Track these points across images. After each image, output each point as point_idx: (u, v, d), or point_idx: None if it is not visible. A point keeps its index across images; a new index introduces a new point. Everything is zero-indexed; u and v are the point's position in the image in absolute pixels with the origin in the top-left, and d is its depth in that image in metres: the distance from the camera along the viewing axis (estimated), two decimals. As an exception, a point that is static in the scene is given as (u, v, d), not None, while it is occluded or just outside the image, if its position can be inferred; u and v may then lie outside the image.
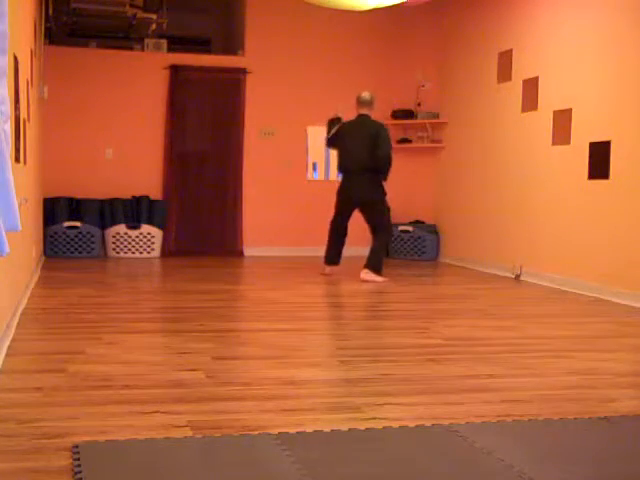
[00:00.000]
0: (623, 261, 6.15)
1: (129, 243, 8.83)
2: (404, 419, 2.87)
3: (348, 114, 7.46)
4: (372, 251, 7.14)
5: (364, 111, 7.25)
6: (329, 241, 7.45)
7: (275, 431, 2.68)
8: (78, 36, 9.12)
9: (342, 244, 7.42)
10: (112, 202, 8.84)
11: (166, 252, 9.02)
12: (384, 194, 7.21)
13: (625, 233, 6.14)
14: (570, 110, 6.85)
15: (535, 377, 3.61)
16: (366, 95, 7.27)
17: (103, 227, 8.79)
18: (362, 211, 7.25)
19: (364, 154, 7.08)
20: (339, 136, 7.28)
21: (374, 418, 2.88)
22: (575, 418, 2.94)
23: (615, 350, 4.33)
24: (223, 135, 9.27)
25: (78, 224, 8.61)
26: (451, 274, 8.05)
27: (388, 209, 7.27)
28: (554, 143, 7.09)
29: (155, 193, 9.11)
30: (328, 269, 7.47)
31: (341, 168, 7.33)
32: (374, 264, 7.11)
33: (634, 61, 6.08)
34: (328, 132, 7.44)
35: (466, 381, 3.50)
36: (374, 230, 7.21)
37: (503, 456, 2.47)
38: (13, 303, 4.54)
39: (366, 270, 7.09)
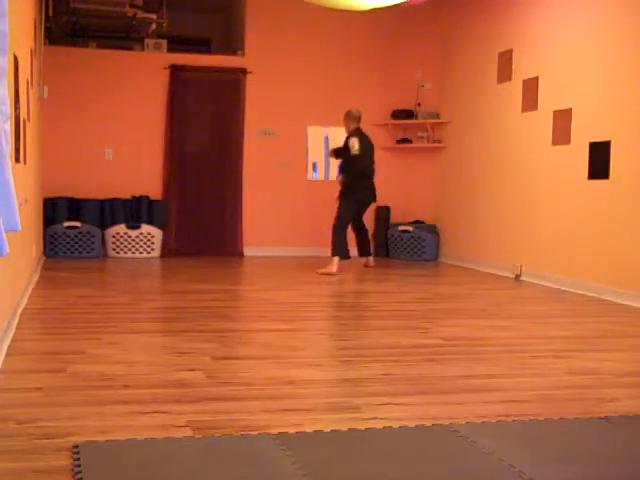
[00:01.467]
0: (623, 261, 6.15)
1: (129, 243, 8.83)
2: (404, 419, 2.87)
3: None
4: (369, 241, 8.35)
5: (359, 124, 8.02)
6: (354, 237, 8.27)
7: (275, 431, 2.68)
8: (78, 36, 9.12)
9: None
10: (112, 202, 8.84)
11: (166, 252, 9.02)
12: None
13: (625, 233, 6.14)
14: (570, 110, 6.85)
15: (535, 377, 3.61)
16: (358, 111, 8.04)
17: (103, 227, 8.79)
18: (363, 209, 8.12)
19: (372, 160, 8.09)
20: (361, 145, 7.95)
21: (374, 418, 2.88)
22: (575, 418, 2.94)
23: (615, 350, 4.33)
24: (223, 135, 9.27)
25: (78, 224, 8.61)
26: (451, 274, 8.05)
27: None
28: (554, 143, 7.09)
29: (155, 193, 9.11)
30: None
31: (363, 173, 7.96)
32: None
33: (634, 61, 6.08)
34: (335, 156, 8.21)
35: (466, 381, 3.50)
36: (362, 225, 8.24)
37: (503, 456, 2.47)
38: (13, 303, 4.54)
39: (371, 257, 8.33)
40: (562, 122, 6.95)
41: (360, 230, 8.26)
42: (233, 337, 4.52)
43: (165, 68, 9.06)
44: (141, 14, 8.27)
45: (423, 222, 9.48)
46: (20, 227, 2.41)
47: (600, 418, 2.94)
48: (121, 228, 8.79)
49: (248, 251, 9.34)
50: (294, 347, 4.16)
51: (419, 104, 9.46)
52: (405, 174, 9.71)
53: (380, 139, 9.57)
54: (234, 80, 9.25)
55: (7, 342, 3.96)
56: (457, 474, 2.34)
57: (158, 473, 2.29)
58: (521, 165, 7.64)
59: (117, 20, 8.45)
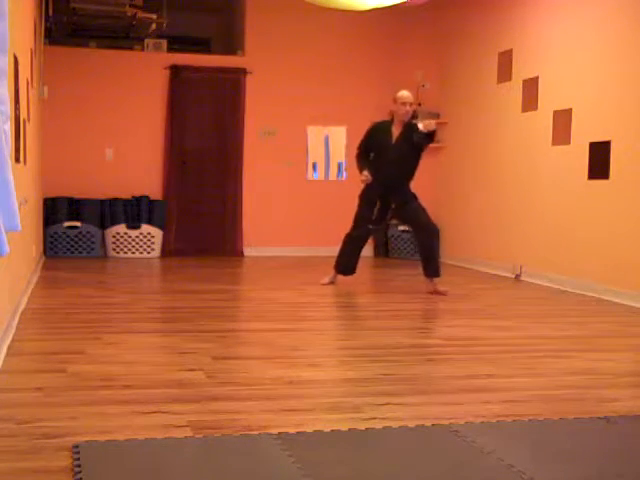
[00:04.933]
0: (623, 261, 6.14)
1: (129, 243, 8.83)
2: (404, 419, 2.87)
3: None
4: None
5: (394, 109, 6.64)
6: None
7: (275, 431, 2.68)
8: (78, 36, 9.11)
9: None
10: (112, 202, 8.84)
11: (166, 252, 9.01)
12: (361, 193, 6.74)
13: (625, 233, 6.14)
14: (570, 110, 6.85)
15: (535, 377, 3.61)
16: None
17: (103, 227, 8.79)
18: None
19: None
20: None
21: (374, 418, 2.88)
22: (575, 418, 2.94)
23: (615, 350, 4.33)
24: (223, 135, 9.27)
25: (78, 224, 8.61)
26: (451, 274, 8.04)
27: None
28: (554, 143, 7.09)
29: (155, 193, 9.10)
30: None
31: None
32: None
33: (634, 61, 6.08)
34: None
35: (466, 381, 3.49)
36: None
37: (503, 456, 2.47)
38: (13, 303, 4.54)
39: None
40: (562, 122, 6.95)
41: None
42: (233, 337, 4.52)
43: (165, 68, 9.06)
44: (141, 14, 8.26)
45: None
46: (20, 227, 2.41)
47: (600, 418, 2.94)
48: (121, 228, 8.79)
49: (248, 251, 9.34)
50: (294, 347, 4.16)
51: (419, 104, 9.46)
52: (405, 174, 9.70)
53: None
54: (234, 80, 9.25)
55: (7, 342, 3.96)
56: (457, 474, 2.34)
57: (158, 473, 2.29)
58: (521, 165, 7.64)
59: (117, 20, 8.44)
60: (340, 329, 4.85)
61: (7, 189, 2.29)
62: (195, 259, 8.76)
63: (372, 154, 6.58)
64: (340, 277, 6.95)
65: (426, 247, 6.35)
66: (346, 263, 6.75)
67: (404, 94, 6.51)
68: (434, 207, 9.54)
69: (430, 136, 6.22)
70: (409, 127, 6.38)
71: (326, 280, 6.82)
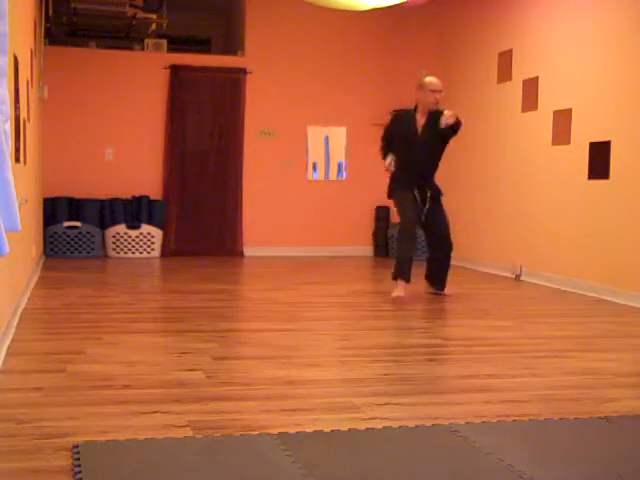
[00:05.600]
0: (623, 261, 6.14)
1: (129, 243, 8.83)
2: (404, 419, 2.87)
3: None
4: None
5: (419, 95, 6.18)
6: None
7: (275, 431, 2.68)
8: (78, 36, 9.12)
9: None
10: (112, 202, 8.84)
11: (166, 252, 9.01)
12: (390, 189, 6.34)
13: (625, 233, 6.14)
14: (570, 110, 6.85)
15: (535, 377, 3.61)
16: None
17: (103, 227, 8.79)
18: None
19: None
20: None
21: (374, 418, 2.88)
22: (575, 418, 2.94)
23: (615, 350, 4.33)
24: (223, 135, 9.27)
25: (78, 224, 8.61)
26: (451, 274, 8.03)
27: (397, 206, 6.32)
28: (554, 143, 7.09)
29: (155, 193, 9.11)
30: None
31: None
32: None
33: (634, 61, 6.08)
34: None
35: (466, 381, 3.49)
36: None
37: (503, 456, 2.47)
38: (13, 303, 4.54)
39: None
40: (562, 122, 6.95)
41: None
42: (233, 337, 4.51)
43: (165, 68, 9.06)
44: (141, 14, 8.26)
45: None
46: (20, 227, 2.41)
47: (600, 418, 2.94)
48: (121, 228, 8.79)
49: (248, 251, 9.34)
50: (294, 347, 4.16)
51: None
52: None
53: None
54: (234, 80, 9.25)
55: (7, 342, 3.96)
56: (457, 474, 2.34)
57: (158, 473, 2.29)
58: (521, 165, 7.64)
59: (117, 20, 8.44)
60: (340, 329, 4.85)
61: (7, 189, 2.29)
62: (195, 259, 8.76)
63: (395, 146, 6.20)
64: (339, 277, 6.95)
65: (440, 262, 6.20)
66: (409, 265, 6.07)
67: (433, 81, 5.97)
68: (434, 207, 9.54)
69: (455, 128, 5.93)
70: (434, 115, 5.98)
71: (400, 293, 5.99)
